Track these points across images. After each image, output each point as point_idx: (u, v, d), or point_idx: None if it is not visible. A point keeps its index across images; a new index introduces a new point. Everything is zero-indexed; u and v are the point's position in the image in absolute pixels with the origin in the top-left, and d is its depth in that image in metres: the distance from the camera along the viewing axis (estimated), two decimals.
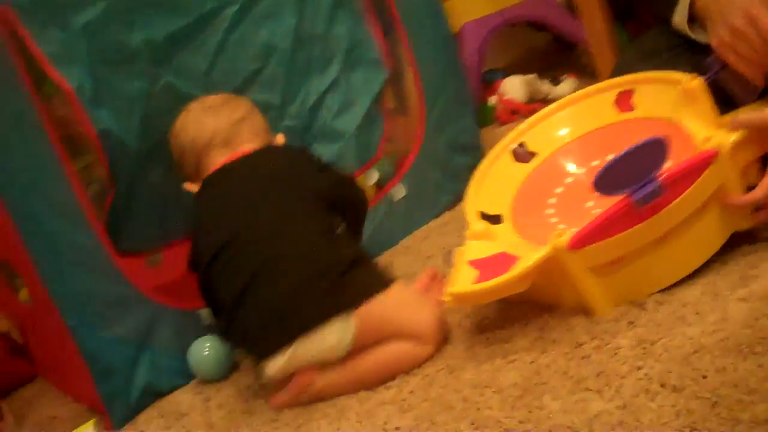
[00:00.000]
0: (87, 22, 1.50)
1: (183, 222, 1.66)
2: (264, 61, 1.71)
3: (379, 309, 1.36)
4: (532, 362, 1.23)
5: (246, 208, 1.45)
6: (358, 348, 1.36)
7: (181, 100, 1.60)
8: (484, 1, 2.42)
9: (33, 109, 1.45)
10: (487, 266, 1.30)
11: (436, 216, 1.92)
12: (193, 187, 1.55)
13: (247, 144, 1.55)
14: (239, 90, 1.67)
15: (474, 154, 1.98)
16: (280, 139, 1.62)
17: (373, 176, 1.91)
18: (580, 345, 1.23)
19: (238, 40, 1.68)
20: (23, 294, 1.77)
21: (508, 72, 2.50)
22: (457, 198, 1.93)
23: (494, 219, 1.44)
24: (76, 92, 1.49)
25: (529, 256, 1.23)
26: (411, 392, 1.28)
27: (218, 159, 1.53)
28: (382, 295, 1.37)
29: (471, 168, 1.92)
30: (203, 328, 1.61)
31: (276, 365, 1.36)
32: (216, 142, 1.53)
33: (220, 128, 1.54)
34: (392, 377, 1.34)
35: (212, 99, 1.59)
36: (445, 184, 1.94)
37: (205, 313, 1.62)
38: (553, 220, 1.45)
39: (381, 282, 1.39)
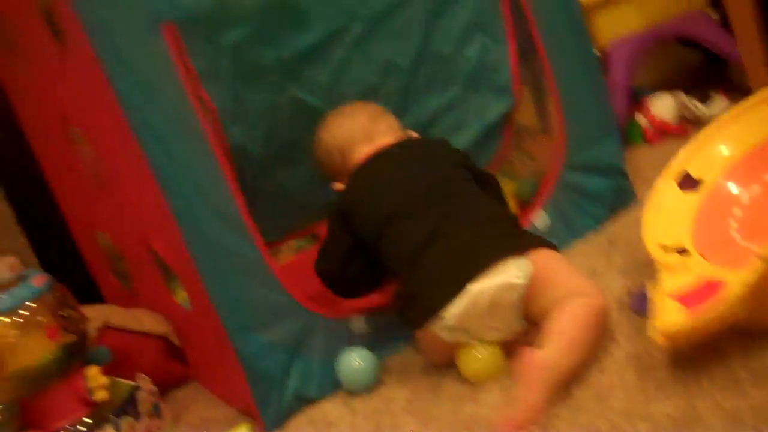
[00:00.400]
0: (235, 41, 1.59)
1: (301, 217, 1.87)
2: (384, 77, 1.77)
3: (549, 257, 1.48)
4: (686, 394, 1.22)
5: (408, 178, 1.59)
6: (531, 297, 1.43)
7: (305, 111, 1.71)
8: (634, 17, 2.38)
9: (197, 119, 1.52)
10: (693, 298, 1.25)
11: (578, 238, 1.89)
12: (340, 186, 1.68)
13: (386, 137, 1.68)
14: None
15: (619, 176, 1.95)
16: (413, 134, 1.72)
17: (542, 219, 1.88)
18: (738, 381, 1.20)
19: (362, 57, 1.74)
20: (180, 296, 1.86)
21: (656, 89, 2.46)
22: (600, 221, 1.92)
23: (677, 251, 1.42)
24: (220, 111, 1.60)
25: (741, 276, 1.17)
26: (557, 417, 1.28)
27: (363, 152, 1.66)
28: (550, 248, 1.49)
29: (614, 190, 1.92)
30: (353, 337, 1.66)
31: (455, 309, 1.42)
32: (358, 139, 1.67)
33: (360, 126, 1.68)
34: (596, 335, 1.40)
35: (346, 107, 1.72)
36: (587, 207, 1.92)
37: (355, 322, 1.66)
38: (744, 242, 1.42)
39: (547, 240, 1.53)
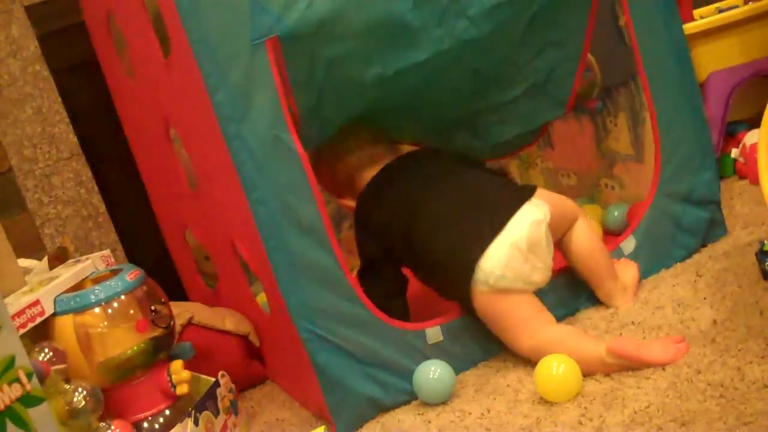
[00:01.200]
0: (332, 57, 1.60)
1: None
2: (465, 80, 1.86)
3: (553, 196, 1.75)
4: None
5: (422, 183, 1.79)
6: (554, 229, 1.69)
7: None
8: (734, 51, 2.35)
9: (289, 133, 1.55)
10: None
11: (666, 268, 1.87)
12: (350, 203, 1.90)
13: (388, 157, 1.89)
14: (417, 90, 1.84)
15: (712, 208, 1.92)
16: (408, 148, 1.95)
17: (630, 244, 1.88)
18: None
19: (454, 66, 1.78)
20: (261, 298, 1.89)
21: (752, 124, 2.41)
22: (690, 251, 1.90)
23: None
24: (301, 117, 1.64)
25: None
26: None
27: (369, 174, 1.86)
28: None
29: (708, 222, 1.89)
30: (429, 348, 1.67)
31: (497, 256, 1.61)
32: (363, 162, 1.88)
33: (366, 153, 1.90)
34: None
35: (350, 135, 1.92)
36: (678, 237, 1.89)
37: (431, 333, 1.67)
38: None
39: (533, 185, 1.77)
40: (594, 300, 1.81)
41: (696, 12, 2.49)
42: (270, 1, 1.51)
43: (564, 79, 1.93)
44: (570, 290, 1.80)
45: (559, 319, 1.77)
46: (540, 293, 1.75)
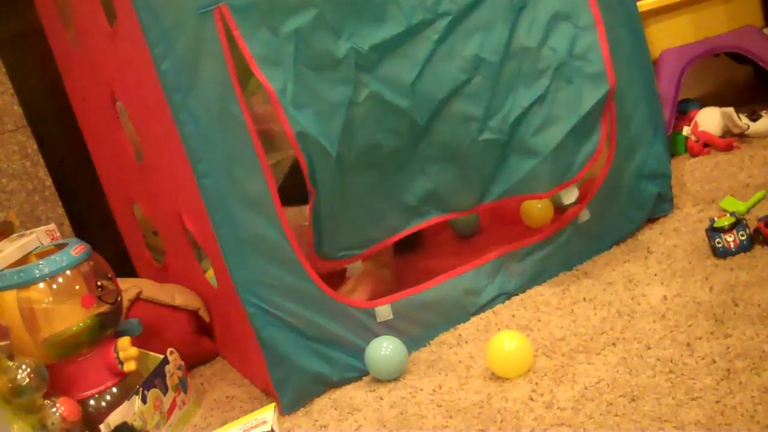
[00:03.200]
0: (297, 28, 1.54)
1: (383, 230, 1.75)
2: (471, 72, 1.69)
3: None
4: (717, 402, 1.20)
5: None
6: None
7: (387, 109, 1.63)
8: (687, 29, 2.36)
9: (238, 104, 1.52)
10: None
11: (618, 242, 1.88)
12: None
13: None
14: (443, 101, 1.68)
15: (663, 182, 1.93)
16: None
17: (572, 194, 1.83)
18: None
19: (447, 51, 1.67)
20: (210, 275, 1.87)
21: (704, 103, 2.43)
22: (638, 225, 1.91)
23: None
24: (279, 93, 1.54)
25: None
26: (589, 417, 1.28)
27: None
28: None
29: (656, 196, 1.90)
30: (379, 326, 1.66)
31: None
32: None
33: None
34: None
35: None
36: (629, 211, 1.90)
37: (380, 311, 1.66)
38: None
39: None
40: (547, 277, 1.82)
41: None
42: None
43: (589, 51, 1.75)
44: (523, 267, 1.80)
45: (512, 294, 1.78)
46: (492, 270, 1.76)
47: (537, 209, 2.01)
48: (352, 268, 1.92)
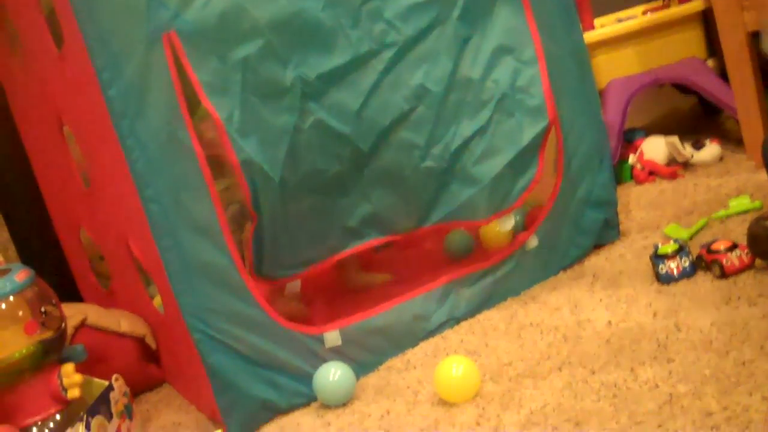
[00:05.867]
0: (245, 57, 1.55)
1: (323, 250, 1.74)
2: (415, 102, 1.71)
3: None
4: (659, 426, 1.22)
5: None
6: None
7: (331, 135, 1.64)
8: (633, 60, 2.41)
9: (186, 130, 1.52)
10: None
11: (565, 268, 1.90)
12: None
13: None
14: (387, 129, 1.70)
15: (609, 209, 1.96)
16: None
17: (508, 222, 1.91)
18: (711, 414, 1.21)
19: (393, 81, 1.69)
20: (157, 301, 1.85)
21: (649, 132, 2.48)
22: (585, 251, 1.94)
23: None
24: (225, 121, 1.54)
25: None
26: None
27: None
28: None
29: (603, 223, 1.93)
30: (325, 351, 1.65)
31: None
32: None
33: None
34: None
35: None
36: (576, 237, 1.93)
37: (329, 337, 1.66)
38: None
39: None
40: (496, 302, 1.83)
41: (597, 21, 2.54)
42: None
43: (531, 85, 1.80)
44: (472, 292, 1.81)
45: (461, 319, 1.79)
46: (442, 296, 1.77)
47: (494, 232, 2.00)
48: (290, 287, 1.94)
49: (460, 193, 1.79)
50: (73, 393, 1.61)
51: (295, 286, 1.95)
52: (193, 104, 1.57)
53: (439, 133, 1.75)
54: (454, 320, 1.79)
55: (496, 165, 1.79)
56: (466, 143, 1.77)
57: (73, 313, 1.83)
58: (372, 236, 1.79)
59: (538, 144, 1.81)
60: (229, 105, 1.55)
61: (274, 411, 1.63)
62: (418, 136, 1.73)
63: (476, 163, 1.79)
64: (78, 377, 1.62)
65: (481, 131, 1.78)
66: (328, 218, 1.73)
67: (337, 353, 1.66)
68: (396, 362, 1.71)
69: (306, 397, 1.63)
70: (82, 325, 1.84)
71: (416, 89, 1.72)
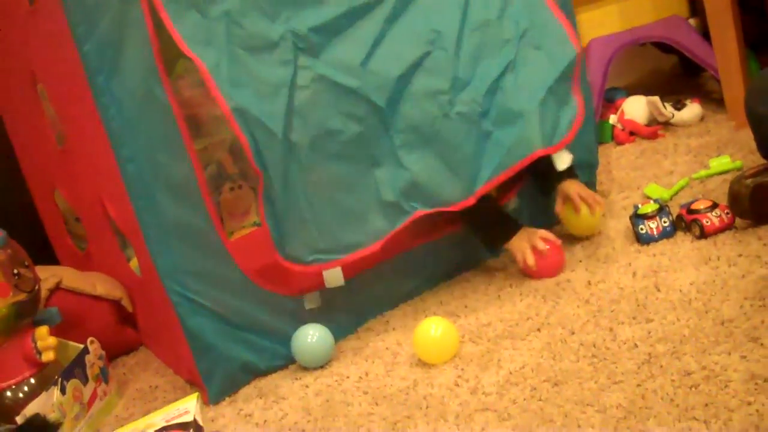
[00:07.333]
0: (226, 10, 1.50)
1: (363, 233, 1.61)
2: (428, 47, 1.63)
3: None
4: (638, 385, 1.22)
5: None
6: None
7: (338, 91, 1.57)
8: (614, 18, 2.38)
9: (163, 88, 1.48)
10: None
11: (545, 227, 1.88)
12: None
13: None
14: (402, 79, 1.61)
15: (590, 171, 1.95)
16: None
17: (566, 158, 1.77)
18: (689, 374, 1.21)
19: (399, 31, 1.62)
20: (134, 263, 1.83)
21: (630, 92, 2.46)
22: None
23: None
24: (212, 69, 1.48)
25: None
26: (513, 401, 1.28)
27: None
28: None
29: (585, 184, 1.91)
30: (307, 314, 1.64)
31: None
32: None
33: None
34: None
35: None
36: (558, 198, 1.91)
37: (309, 297, 1.64)
38: None
39: None
40: (475, 263, 1.82)
41: None
42: None
43: (548, 23, 1.72)
44: (450, 254, 1.80)
45: (440, 281, 1.78)
46: (422, 258, 1.75)
47: (583, 220, 1.78)
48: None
49: (506, 136, 1.67)
50: (48, 356, 1.59)
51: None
52: (169, 62, 1.54)
53: (463, 75, 1.65)
54: (433, 281, 1.78)
55: (537, 92, 1.68)
56: (497, 82, 1.67)
57: (48, 276, 1.81)
58: (416, 209, 1.64)
59: (571, 74, 1.72)
60: (215, 55, 1.50)
61: (254, 373, 1.62)
62: (439, 81, 1.63)
63: (514, 96, 1.68)
64: (52, 340, 1.60)
65: (509, 68, 1.68)
66: (361, 192, 1.61)
67: (317, 315, 1.64)
68: (375, 324, 1.70)
69: (285, 359, 1.62)
70: (57, 288, 1.81)
71: (427, 34, 1.64)
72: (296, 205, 1.56)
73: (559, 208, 1.79)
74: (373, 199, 1.61)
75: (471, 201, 1.65)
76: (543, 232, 1.70)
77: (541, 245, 1.67)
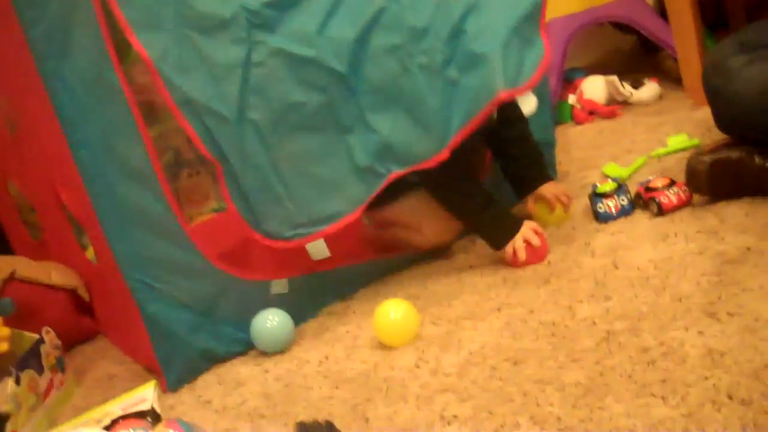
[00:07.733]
0: None
1: (342, 200, 1.60)
2: (383, 2, 1.57)
3: None
4: (596, 363, 1.22)
5: None
6: None
7: (296, 62, 1.53)
8: None
9: (114, 72, 1.45)
10: None
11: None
12: None
13: None
14: (359, 41, 1.56)
15: (548, 151, 1.94)
16: None
17: (530, 101, 1.68)
18: (647, 350, 1.21)
19: None
20: (90, 252, 1.80)
21: (589, 71, 2.47)
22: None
23: None
24: (157, 59, 1.46)
25: None
26: (473, 381, 1.28)
27: None
28: None
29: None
30: (270, 299, 1.62)
31: None
32: None
33: None
34: None
35: None
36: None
37: (275, 284, 1.62)
38: None
39: None
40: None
41: None
42: None
43: None
44: None
45: (402, 262, 1.77)
46: None
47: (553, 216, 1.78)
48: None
49: (472, 81, 1.60)
50: (1, 347, 1.56)
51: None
52: (124, 47, 1.51)
53: (420, 25, 1.59)
54: (394, 265, 1.77)
55: (500, 32, 1.60)
56: (459, 25, 1.60)
57: (1, 266, 1.78)
58: (391, 171, 1.61)
59: (537, 15, 1.64)
60: (163, 42, 1.47)
61: (213, 360, 1.60)
62: (395, 35, 1.57)
63: (477, 37, 1.60)
64: (6, 331, 1.57)
65: (471, 10, 1.61)
66: (333, 161, 1.59)
67: (281, 300, 1.63)
68: (336, 308, 1.69)
69: (245, 345, 1.61)
70: (11, 278, 1.78)
71: None
72: (267, 184, 1.54)
73: (530, 206, 1.78)
74: (347, 166, 1.59)
75: (444, 154, 1.59)
76: (532, 224, 1.66)
77: (535, 240, 1.62)
